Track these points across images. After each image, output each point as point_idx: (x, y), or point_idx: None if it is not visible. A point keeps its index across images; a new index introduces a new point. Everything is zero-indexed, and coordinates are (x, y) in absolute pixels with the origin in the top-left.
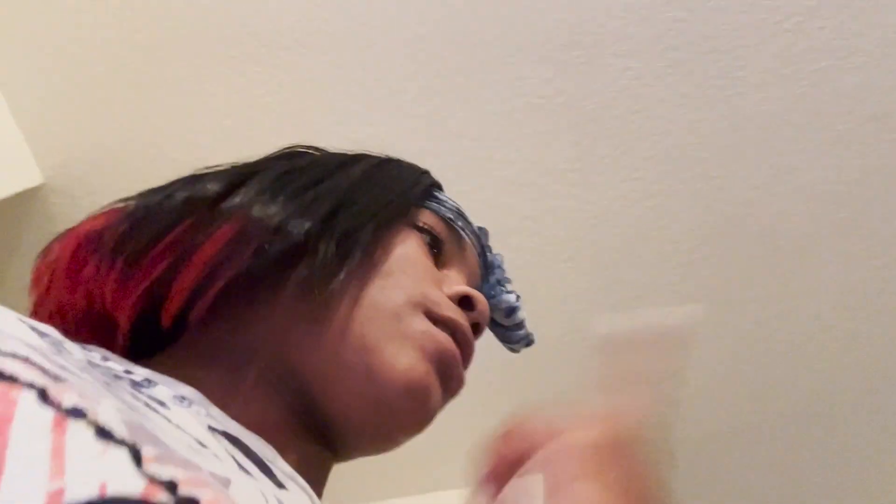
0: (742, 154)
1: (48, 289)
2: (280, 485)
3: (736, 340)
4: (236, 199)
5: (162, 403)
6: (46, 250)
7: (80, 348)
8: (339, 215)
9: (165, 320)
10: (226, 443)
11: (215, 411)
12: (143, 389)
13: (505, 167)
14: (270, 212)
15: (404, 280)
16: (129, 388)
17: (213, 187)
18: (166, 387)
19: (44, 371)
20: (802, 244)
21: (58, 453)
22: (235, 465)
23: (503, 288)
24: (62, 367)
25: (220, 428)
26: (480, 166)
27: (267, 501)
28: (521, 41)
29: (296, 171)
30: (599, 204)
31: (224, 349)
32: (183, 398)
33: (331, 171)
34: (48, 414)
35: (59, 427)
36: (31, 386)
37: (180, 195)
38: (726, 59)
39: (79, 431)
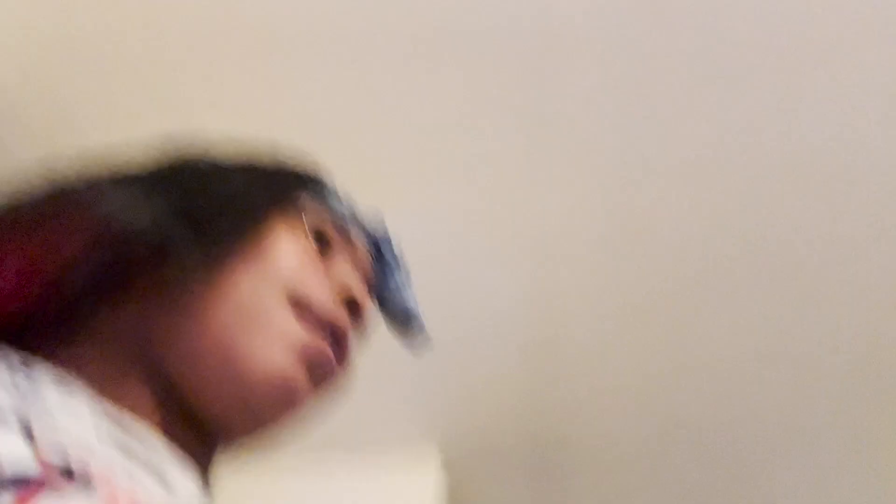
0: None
1: None
2: (159, 462)
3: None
4: (102, 197)
5: (45, 384)
6: None
7: None
8: (212, 213)
9: (9, 328)
10: (107, 423)
11: (91, 393)
12: (21, 368)
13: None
14: (138, 209)
15: (275, 276)
16: (3, 363)
17: (80, 184)
18: (44, 368)
19: None
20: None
21: None
22: (114, 445)
23: (402, 296)
24: None
25: (101, 408)
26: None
27: (149, 477)
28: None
29: (170, 172)
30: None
31: (95, 345)
32: (61, 379)
33: (210, 172)
34: None
35: None
36: None
37: (46, 191)
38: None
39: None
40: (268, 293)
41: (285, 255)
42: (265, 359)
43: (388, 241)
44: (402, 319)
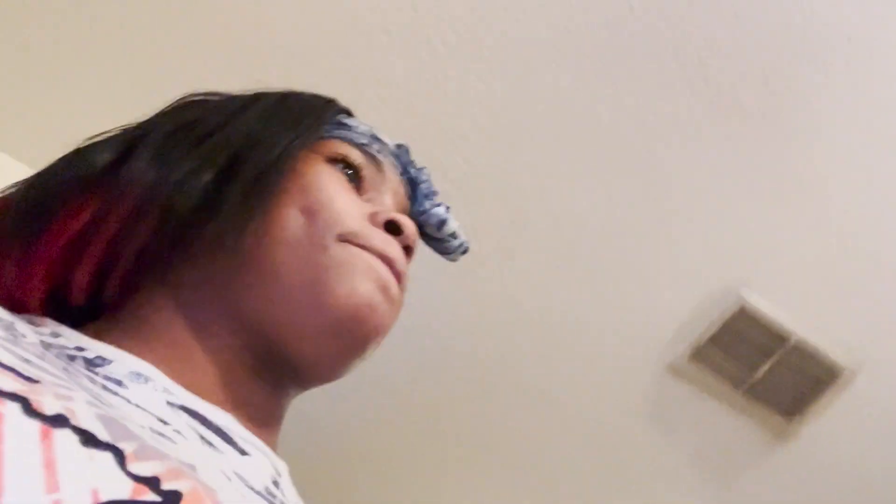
0: None
1: None
2: (242, 451)
3: None
4: (130, 167)
5: (119, 383)
6: None
7: (30, 327)
8: (240, 160)
9: (74, 302)
10: (186, 417)
11: (171, 385)
12: (98, 368)
13: None
14: (166, 173)
15: (324, 213)
16: (84, 369)
17: (102, 158)
18: (120, 363)
19: (18, 374)
20: None
21: (50, 465)
22: (198, 439)
23: (431, 202)
24: (26, 361)
25: (178, 402)
26: None
27: (230, 480)
28: None
29: (188, 124)
30: None
31: (163, 316)
32: (138, 374)
33: (226, 117)
34: (34, 425)
35: (46, 438)
36: (13, 397)
37: (68, 172)
38: None
39: (65, 440)
40: (322, 231)
41: (328, 192)
42: (348, 288)
43: (411, 161)
44: (438, 230)
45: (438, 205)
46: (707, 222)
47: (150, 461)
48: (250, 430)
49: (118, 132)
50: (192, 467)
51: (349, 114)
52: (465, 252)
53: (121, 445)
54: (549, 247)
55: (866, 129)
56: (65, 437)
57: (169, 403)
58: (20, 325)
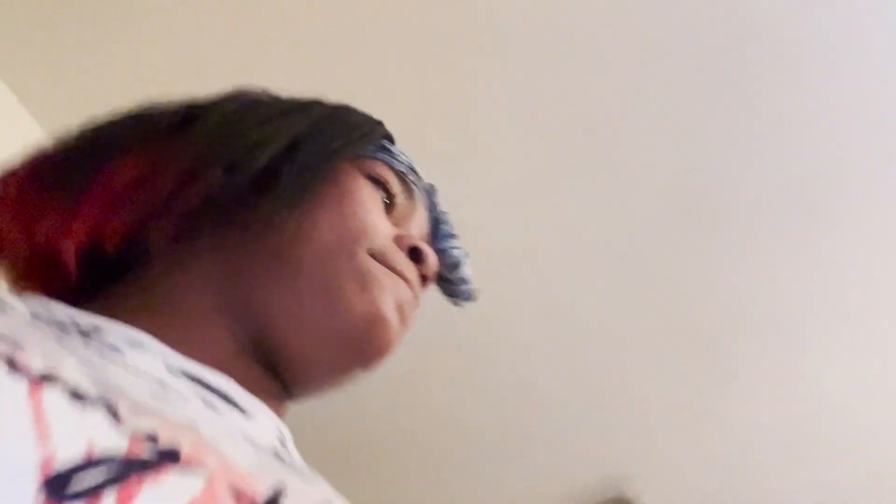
0: None
1: None
2: (244, 412)
3: None
4: (194, 129)
5: (115, 349)
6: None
7: (18, 300)
8: (299, 149)
9: (110, 247)
10: (186, 381)
11: (168, 352)
12: (93, 336)
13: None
14: (230, 141)
15: (358, 223)
16: (78, 337)
17: (163, 118)
18: (115, 332)
19: (1, 338)
20: None
21: (39, 419)
22: (201, 403)
23: (450, 243)
24: (11, 329)
25: (178, 367)
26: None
27: (234, 439)
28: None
29: (252, 105)
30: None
31: (174, 287)
32: (134, 342)
33: (287, 109)
34: (22, 382)
35: (34, 394)
36: None
37: (128, 124)
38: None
39: (54, 396)
40: (355, 239)
41: (366, 206)
42: (368, 300)
43: (436, 195)
44: (451, 271)
45: (457, 247)
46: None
47: (147, 417)
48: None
49: (180, 101)
50: (194, 426)
51: (392, 140)
52: (470, 299)
53: (114, 402)
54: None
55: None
56: (54, 392)
57: (168, 368)
58: (10, 297)
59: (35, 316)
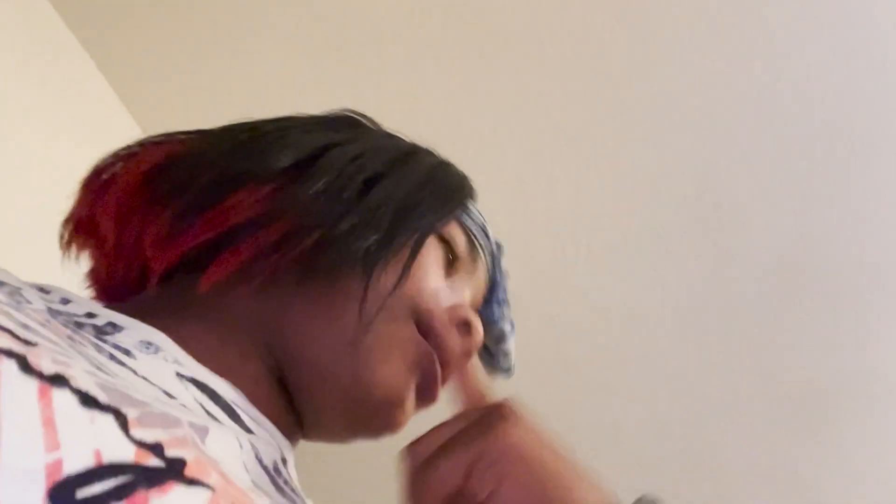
0: None
1: (88, 207)
2: (247, 430)
3: None
4: (306, 188)
5: (127, 352)
6: (106, 169)
7: (38, 293)
8: (397, 224)
9: (203, 287)
10: (194, 390)
11: (182, 356)
12: (107, 336)
13: None
14: (335, 212)
15: (416, 289)
16: (92, 337)
17: (279, 158)
18: (131, 331)
19: (14, 336)
20: None
21: (49, 423)
22: (204, 414)
23: (501, 310)
24: (25, 327)
25: (188, 374)
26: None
27: (242, 447)
28: None
29: (358, 159)
30: None
31: (216, 309)
32: (149, 344)
33: (392, 165)
34: (32, 383)
35: (44, 397)
36: (9, 354)
37: (243, 162)
38: None
39: (64, 399)
40: (405, 305)
41: (429, 272)
42: (389, 373)
43: (501, 257)
44: (496, 343)
45: (506, 318)
46: None
47: (155, 427)
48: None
49: (286, 125)
50: (205, 430)
51: (474, 197)
52: (508, 374)
53: (123, 410)
54: None
55: None
56: (64, 396)
57: (178, 375)
58: (28, 291)
59: (51, 313)
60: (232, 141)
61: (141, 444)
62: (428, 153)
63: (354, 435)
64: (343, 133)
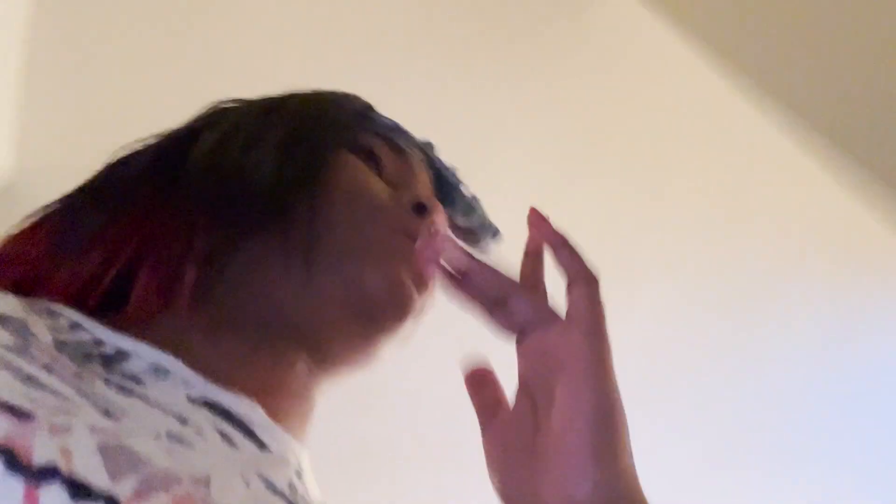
0: None
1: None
2: (262, 445)
3: None
4: (183, 185)
5: (137, 380)
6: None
7: (44, 322)
8: (285, 170)
9: (145, 314)
10: (206, 412)
11: (191, 376)
12: (116, 366)
13: None
14: (220, 193)
15: (364, 211)
16: (100, 369)
17: (151, 177)
18: (141, 357)
19: (9, 411)
20: None
21: None
22: (218, 437)
23: (458, 191)
24: (29, 380)
25: (199, 396)
26: None
27: (248, 485)
28: None
29: (231, 134)
30: None
31: (212, 307)
32: (158, 368)
33: (262, 125)
34: (19, 484)
35: (30, 497)
36: None
37: (114, 186)
38: None
39: (52, 498)
40: (369, 229)
41: (361, 186)
42: (380, 270)
43: (434, 151)
44: (468, 217)
45: (465, 193)
46: None
47: (153, 496)
48: (274, 418)
49: (154, 142)
50: (207, 480)
51: (372, 108)
52: (495, 236)
53: (118, 489)
54: None
55: None
56: (51, 493)
57: (189, 398)
58: (34, 322)
59: (59, 345)
60: (99, 176)
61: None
62: (296, 96)
63: (371, 333)
64: (194, 129)
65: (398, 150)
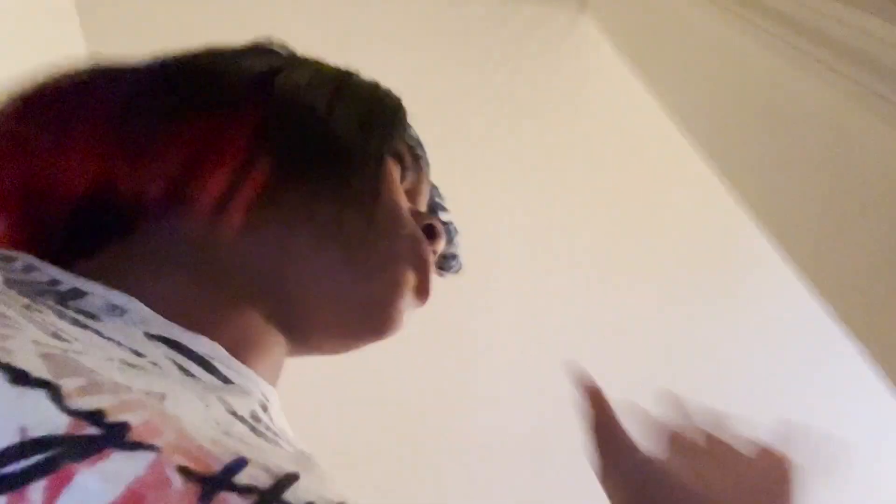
0: None
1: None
2: (226, 379)
3: None
4: (289, 80)
5: (92, 316)
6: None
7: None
8: (366, 146)
9: (200, 215)
10: (164, 347)
11: (149, 315)
12: (70, 302)
13: None
14: (305, 126)
15: (392, 219)
16: (54, 304)
17: (254, 65)
18: (96, 296)
19: None
20: None
21: None
22: (176, 369)
23: (446, 216)
24: None
25: (156, 333)
26: None
27: (208, 406)
28: None
29: (319, 82)
30: None
31: (201, 260)
32: (114, 307)
33: (338, 90)
34: None
35: None
36: None
37: (193, 82)
38: None
39: None
40: (399, 230)
41: (399, 191)
42: (394, 281)
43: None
44: (448, 244)
45: (451, 221)
46: None
47: (98, 394)
48: (237, 357)
49: (216, 55)
50: (161, 396)
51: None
52: (459, 272)
53: (60, 381)
54: None
55: None
56: None
57: (146, 335)
58: None
59: (8, 283)
60: (188, 56)
61: (77, 414)
62: (356, 74)
63: (358, 335)
64: (275, 59)
65: (419, 166)
